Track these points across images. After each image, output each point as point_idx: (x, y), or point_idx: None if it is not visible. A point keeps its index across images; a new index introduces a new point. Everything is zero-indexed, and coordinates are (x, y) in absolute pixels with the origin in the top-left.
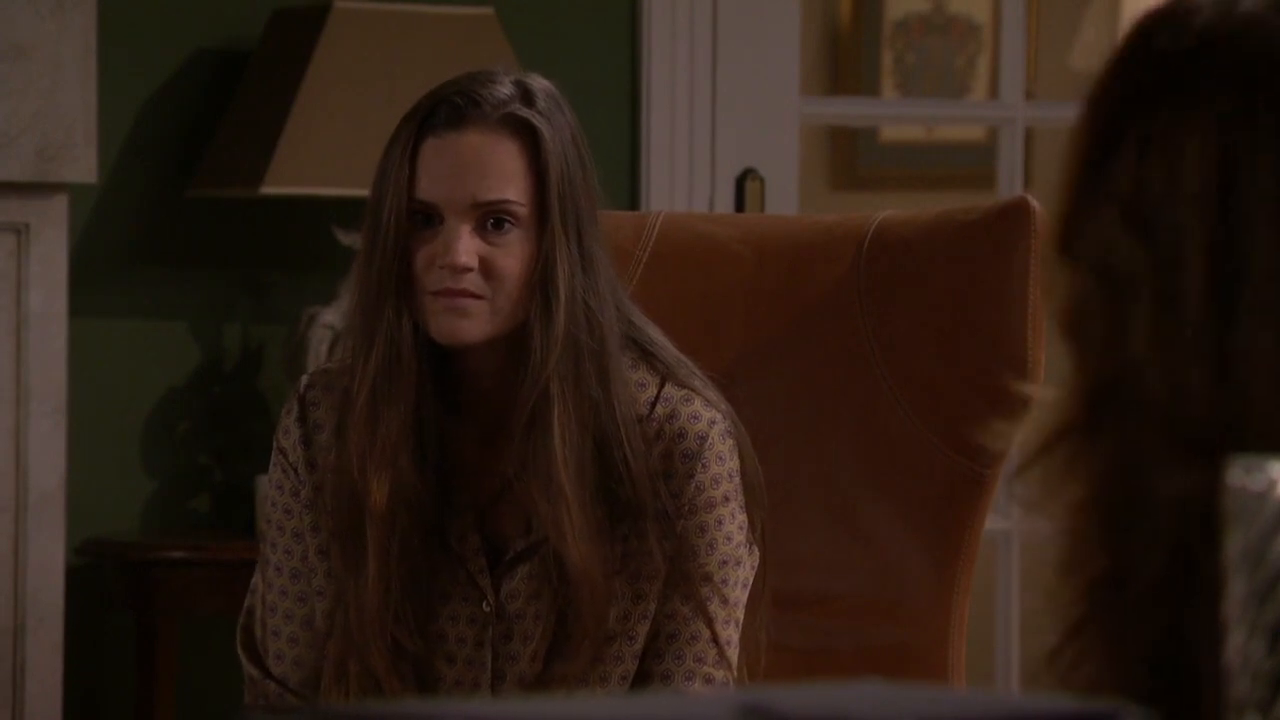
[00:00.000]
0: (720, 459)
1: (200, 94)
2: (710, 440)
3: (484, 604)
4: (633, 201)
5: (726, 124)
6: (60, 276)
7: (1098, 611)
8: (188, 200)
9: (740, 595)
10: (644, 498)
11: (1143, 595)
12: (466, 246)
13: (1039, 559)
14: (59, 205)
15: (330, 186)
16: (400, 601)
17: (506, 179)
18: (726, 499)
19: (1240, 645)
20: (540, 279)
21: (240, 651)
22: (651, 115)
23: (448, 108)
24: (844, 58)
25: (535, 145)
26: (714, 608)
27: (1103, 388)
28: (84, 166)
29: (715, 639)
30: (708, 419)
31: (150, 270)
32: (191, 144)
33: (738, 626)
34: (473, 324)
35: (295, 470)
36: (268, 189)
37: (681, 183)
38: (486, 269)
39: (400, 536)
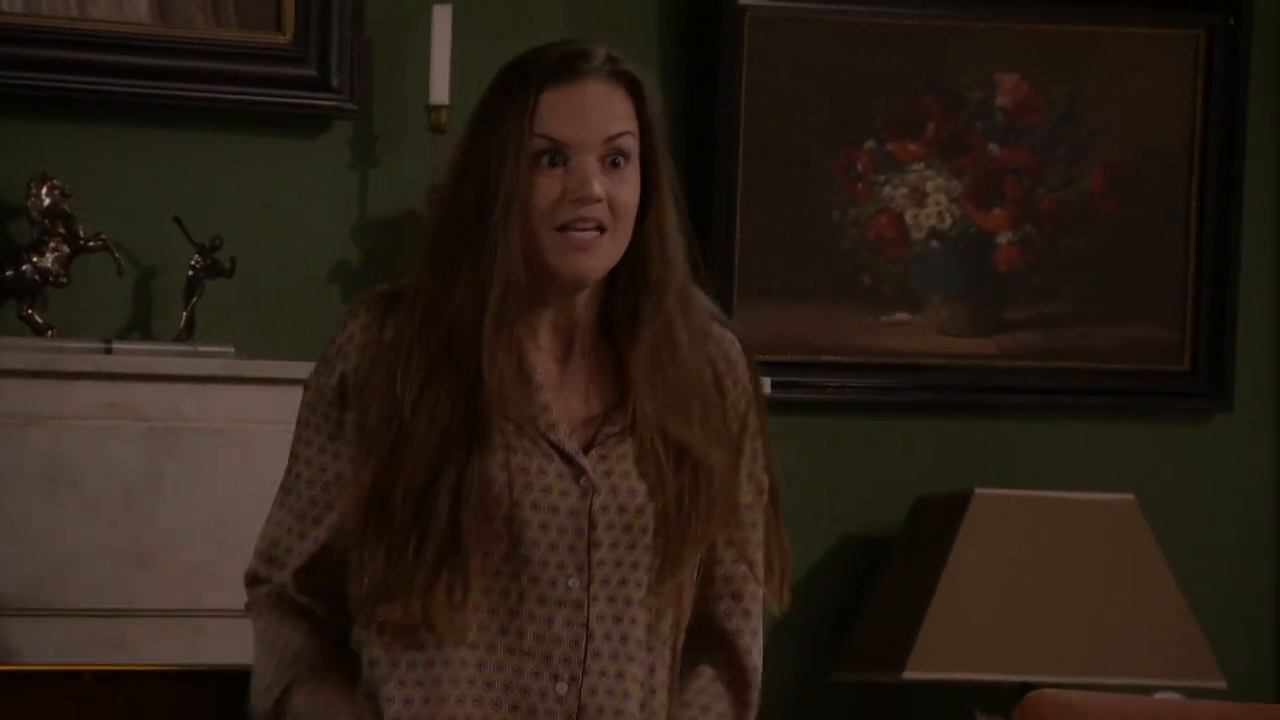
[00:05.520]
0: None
1: (847, 579)
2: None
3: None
4: None
5: None
6: None
7: None
8: (831, 684)
9: None
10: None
11: None
12: (599, 178)
13: None
14: None
15: (972, 672)
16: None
17: (625, 118)
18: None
19: None
20: (654, 212)
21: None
22: None
23: (562, 64)
24: None
25: (639, 95)
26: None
27: None
28: None
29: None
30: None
31: None
32: (838, 627)
33: None
34: (597, 260)
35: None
36: (910, 674)
37: None
38: (610, 203)
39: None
